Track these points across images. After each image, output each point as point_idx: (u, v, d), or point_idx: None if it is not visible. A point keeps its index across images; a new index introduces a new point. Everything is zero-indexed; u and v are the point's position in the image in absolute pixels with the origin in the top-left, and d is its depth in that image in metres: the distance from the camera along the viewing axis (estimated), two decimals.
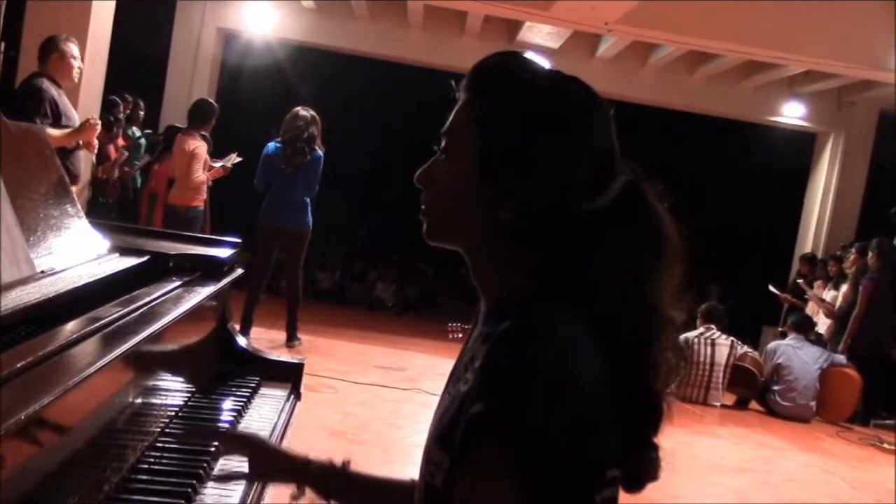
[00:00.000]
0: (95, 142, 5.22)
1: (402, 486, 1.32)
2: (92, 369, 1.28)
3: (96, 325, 1.46)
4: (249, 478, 1.45)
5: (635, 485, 1.09)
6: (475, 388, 0.99)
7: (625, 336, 1.04)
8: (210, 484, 1.52)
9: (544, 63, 1.17)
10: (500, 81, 1.12)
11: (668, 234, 1.07)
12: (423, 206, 1.17)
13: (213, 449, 1.66)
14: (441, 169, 1.14)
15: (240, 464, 1.47)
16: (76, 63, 5.22)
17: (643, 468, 1.08)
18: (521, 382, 0.95)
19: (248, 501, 1.50)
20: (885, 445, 6.69)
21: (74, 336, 1.38)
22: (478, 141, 1.10)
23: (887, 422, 7.78)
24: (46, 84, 5.08)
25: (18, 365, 1.18)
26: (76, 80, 5.35)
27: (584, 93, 1.12)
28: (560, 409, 0.95)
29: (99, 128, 5.16)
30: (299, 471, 1.33)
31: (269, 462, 1.37)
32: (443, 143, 1.15)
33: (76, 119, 5.22)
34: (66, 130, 5.07)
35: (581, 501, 0.99)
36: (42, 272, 1.61)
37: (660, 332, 1.06)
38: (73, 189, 5.43)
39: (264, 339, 6.21)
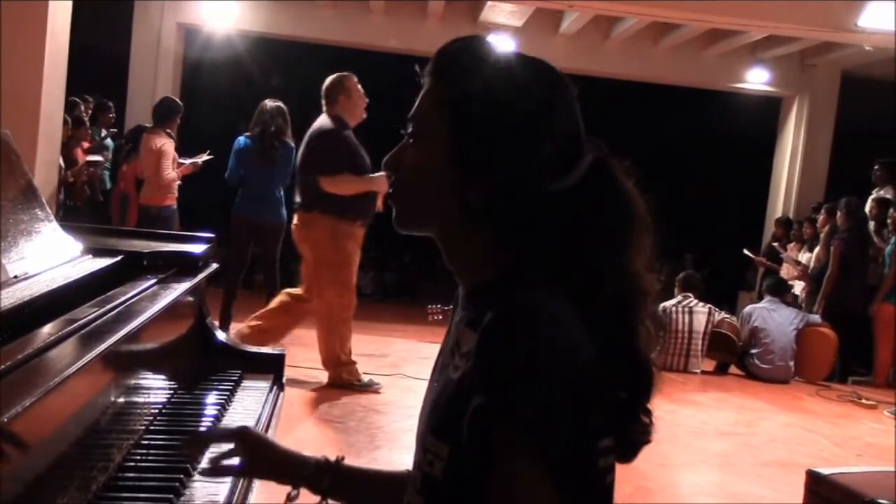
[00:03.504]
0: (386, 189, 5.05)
1: (398, 478, 1.31)
2: (71, 370, 1.28)
3: (73, 326, 1.45)
4: (240, 473, 1.40)
5: (629, 453, 1.10)
6: (471, 378, 1.00)
7: (604, 307, 1.05)
8: (198, 478, 1.52)
9: (508, 47, 1.17)
10: (465, 65, 1.12)
11: (636, 210, 1.08)
12: (391, 191, 1.18)
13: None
14: (409, 153, 1.15)
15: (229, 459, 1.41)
16: (363, 101, 5.03)
17: (635, 436, 1.09)
18: (518, 370, 0.96)
19: (236, 494, 1.50)
20: (864, 401, 6.79)
21: (52, 338, 1.37)
22: (445, 124, 1.10)
23: (866, 378, 7.91)
24: (346, 133, 4.91)
25: None
26: (363, 117, 5.10)
27: (548, 73, 1.13)
28: (560, 389, 0.96)
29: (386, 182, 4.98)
30: (294, 469, 1.30)
31: (263, 457, 1.32)
32: (409, 129, 1.15)
33: (364, 158, 4.96)
34: (366, 178, 4.89)
35: (588, 472, 1.01)
36: (15, 277, 1.60)
37: (637, 302, 1.08)
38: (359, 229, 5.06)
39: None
